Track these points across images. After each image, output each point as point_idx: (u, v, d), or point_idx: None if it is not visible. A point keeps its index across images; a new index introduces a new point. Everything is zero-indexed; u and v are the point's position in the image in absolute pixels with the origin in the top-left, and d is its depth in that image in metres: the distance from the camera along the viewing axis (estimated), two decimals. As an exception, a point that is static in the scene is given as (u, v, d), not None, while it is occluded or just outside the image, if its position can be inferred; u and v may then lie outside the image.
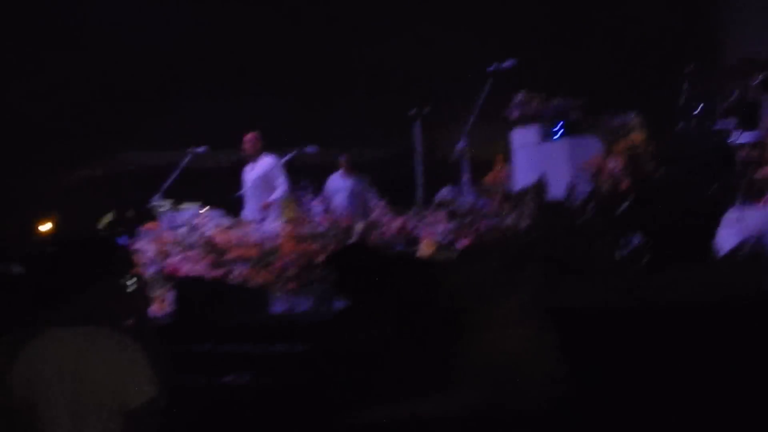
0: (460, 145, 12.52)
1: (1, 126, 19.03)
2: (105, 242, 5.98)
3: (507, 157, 13.34)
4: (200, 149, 15.74)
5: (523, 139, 13.30)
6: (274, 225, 13.12)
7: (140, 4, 18.25)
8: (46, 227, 22.03)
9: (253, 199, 15.00)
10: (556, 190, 11.36)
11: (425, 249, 10.63)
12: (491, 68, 12.80)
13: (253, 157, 15.21)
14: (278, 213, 14.17)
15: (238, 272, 12.44)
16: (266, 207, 14.58)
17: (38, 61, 18.98)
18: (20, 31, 18.29)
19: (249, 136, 15.26)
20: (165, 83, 19.02)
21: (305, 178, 13.83)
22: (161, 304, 12.70)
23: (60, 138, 20.18)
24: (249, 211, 14.98)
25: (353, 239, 11.49)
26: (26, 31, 18.32)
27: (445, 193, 11.37)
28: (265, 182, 14.97)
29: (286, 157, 15.38)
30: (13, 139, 19.39)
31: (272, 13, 18.44)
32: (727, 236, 10.36)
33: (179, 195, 15.28)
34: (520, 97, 13.27)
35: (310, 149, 15.58)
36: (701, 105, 12.44)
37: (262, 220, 14.25)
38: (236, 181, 15.50)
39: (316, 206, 12.79)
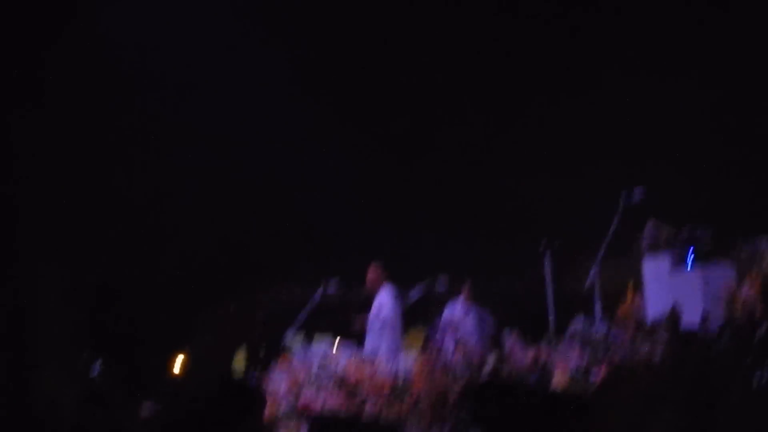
0: (592, 275, 12.50)
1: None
2: (239, 386, 6.11)
3: (639, 287, 13.26)
4: (332, 285, 15.93)
5: (654, 268, 13.23)
6: (407, 359, 13.16)
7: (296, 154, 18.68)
8: (180, 364, 22.34)
9: (371, 333, 15.21)
10: (690, 319, 11.23)
11: (559, 379, 10.57)
12: (622, 198, 12.81)
13: (375, 289, 15.42)
14: (400, 345, 14.36)
15: (372, 407, 12.47)
16: (359, 331, 14.85)
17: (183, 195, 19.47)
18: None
19: (370, 270, 15.49)
20: (300, 221, 19.36)
21: (437, 310, 13.90)
22: (294, 439, 12.78)
23: (199, 274, 20.58)
24: (368, 343, 15.17)
25: (486, 372, 11.47)
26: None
27: (577, 323, 11.30)
28: (377, 315, 15.21)
29: (419, 290, 15.50)
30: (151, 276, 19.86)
31: (403, 148, 18.74)
32: None
33: (312, 329, 15.46)
34: (650, 226, 13.23)
35: (441, 281, 15.68)
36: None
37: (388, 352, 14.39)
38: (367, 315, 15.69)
39: (448, 339, 12.80)
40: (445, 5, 18.14)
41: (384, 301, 15.34)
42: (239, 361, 21.16)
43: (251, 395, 5.73)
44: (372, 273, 15.50)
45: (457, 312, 15.87)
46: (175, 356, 22.61)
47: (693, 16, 16.96)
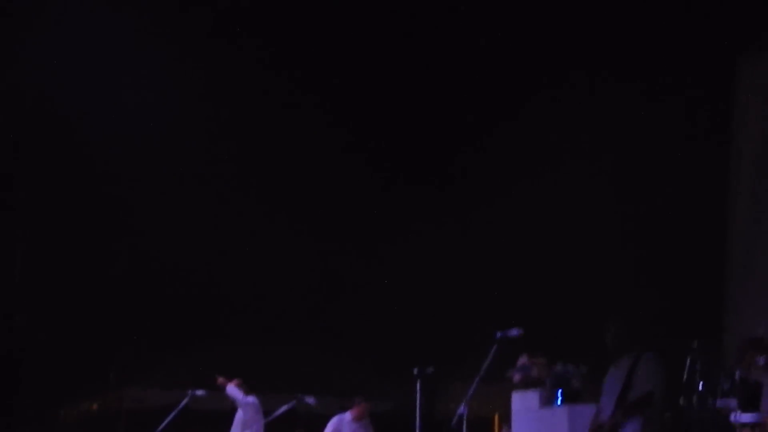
0: (461, 411, 12.43)
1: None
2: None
3: (506, 419, 13.26)
4: (200, 392, 15.74)
5: (523, 402, 13.26)
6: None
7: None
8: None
9: None
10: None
11: None
12: (498, 335, 12.83)
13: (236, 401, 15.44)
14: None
15: None
16: None
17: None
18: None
19: (231, 384, 15.50)
20: (174, 325, 19.17)
21: (302, 428, 13.76)
22: None
23: (64, 370, 20.18)
24: None
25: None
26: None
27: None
28: (244, 424, 15.16)
29: (286, 406, 15.37)
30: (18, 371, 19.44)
31: (284, 258, 18.72)
32: None
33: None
34: (522, 361, 13.27)
35: (309, 399, 15.58)
36: (702, 382, 12.40)
37: None
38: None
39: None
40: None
41: (251, 412, 15.27)
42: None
43: None
44: (234, 386, 15.54)
45: (342, 426, 15.80)
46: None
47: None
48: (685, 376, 12.50)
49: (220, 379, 15.61)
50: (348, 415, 15.88)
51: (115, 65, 17.46)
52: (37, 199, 18.40)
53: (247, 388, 15.55)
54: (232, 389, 15.61)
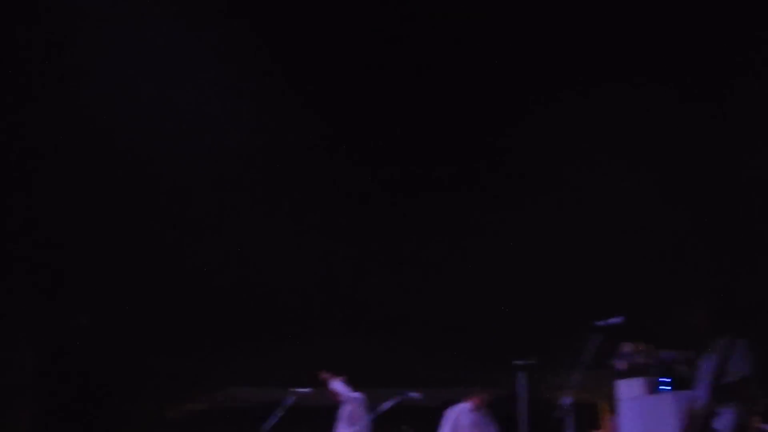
0: (565, 401, 12.41)
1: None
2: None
3: (613, 408, 13.20)
4: (305, 389, 15.85)
5: (629, 390, 13.19)
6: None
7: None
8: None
9: None
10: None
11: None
12: (599, 323, 12.78)
13: (336, 395, 15.53)
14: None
15: None
16: None
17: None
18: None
19: (337, 381, 15.61)
20: (278, 321, 19.30)
21: (407, 423, 13.80)
22: None
23: (171, 369, 20.43)
24: None
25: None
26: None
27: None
28: (349, 420, 15.24)
29: (390, 402, 15.41)
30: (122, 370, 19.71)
31: (377, 254, 18.74)
32: None
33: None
34: (627, 348, 13.20)
35: (413, 394, 15.60)
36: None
37: None
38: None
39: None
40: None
41: (355, 408, 15.38)
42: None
43: None
44: (339, 383, 15.65)
45: (463, 416, 15.89)
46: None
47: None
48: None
49: (325, 374, 15.73)
50: (466, 406, 15.94)
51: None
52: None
53: (352, 384, 15.67)
54: (338, 385, 15.72)
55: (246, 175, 17.32)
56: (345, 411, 15.72)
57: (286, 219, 18.23)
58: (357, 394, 15.64)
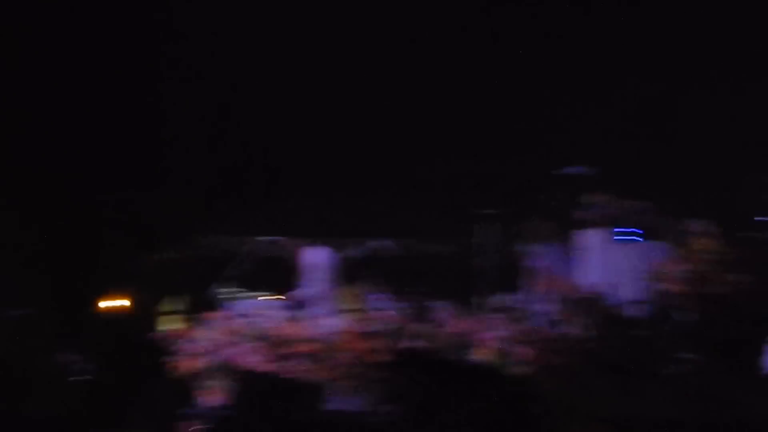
0: (527, 248, 12.44)
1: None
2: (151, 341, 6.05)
3: (576, 258, 13.23)
4: (269, 238, 15.86)
5: (593, 241, 13.18)
6: (335, 320, 13.08)
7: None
8: (119, 304, 22.19)
9: (303, 290, 15.36)
10: (626, 294, 11.20)
11: (485, 354, 10.49)
12: (563, 172, 12.74)
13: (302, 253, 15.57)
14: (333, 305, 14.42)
15: (297, 366, 12.38)
16: (293, 299, 14.95)
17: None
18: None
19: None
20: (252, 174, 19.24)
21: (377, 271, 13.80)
22: (217, 394, 12.68)
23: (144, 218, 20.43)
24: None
25: (412, 341, 11.38)
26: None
27: (508, 297, 11.24)
28: (310, 276, 15.28)
29: (357, 251, 15.44)
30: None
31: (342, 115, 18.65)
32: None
33: (243, 284, 15.36)
34: (595, 198, 13.17)
35: (382, 243, 15.61)
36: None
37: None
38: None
39: (384, 302, 12.74)
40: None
41: (315, 264, 15.40)
42: (167, 310, 21.00)
43: (161, 351, 5.70)
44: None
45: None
46: (106, 299, 22.45)
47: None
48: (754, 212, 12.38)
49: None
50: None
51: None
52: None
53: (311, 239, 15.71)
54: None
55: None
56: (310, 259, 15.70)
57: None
58: (322, 250, 15.63)
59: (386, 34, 17.89)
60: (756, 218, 12.18)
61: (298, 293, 15.39)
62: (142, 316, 19.91)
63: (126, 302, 22.31)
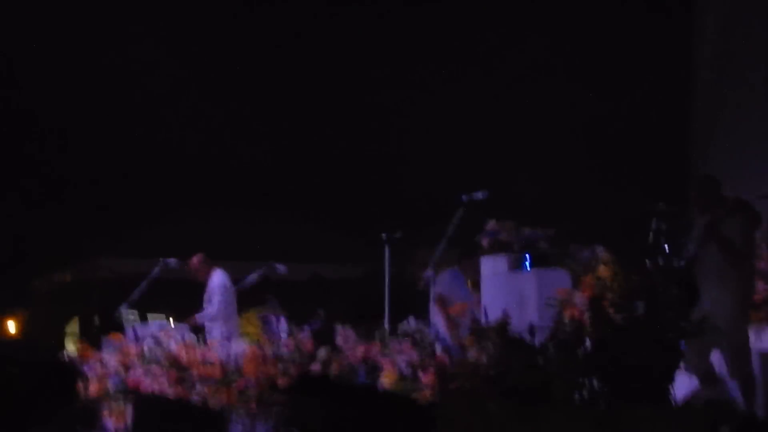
0: (428, 273, 12.53)
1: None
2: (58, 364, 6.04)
3: (476, 285, 13.37)
4: (171, 260, 15.81)
5: (492, 267, 13.33)
6: (240, 344, 13.07)
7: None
8: (12, 327, 21.95)
9: (204, 318, 15.41)
10: (523, 321, 11.33)
11: (387, 379, 10.56)
12: (464, 198, 12.87)
13: (203, 278, 15.54)
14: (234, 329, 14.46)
15: (200, 390, 12.35)
16: (193, 323, 14.97)
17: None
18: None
19: (193, 261, 15.61)
20: (146, 193, 19.18)
21: (272, 296, 13.82)
22: (120, 418, 12.60)
23: (37, 238, 20.22)
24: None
25: (316, 365, 11.41)
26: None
27: (410, 321, 11.32)
28: (208, 300, 15.32)
29: (255, 274, 15.45)
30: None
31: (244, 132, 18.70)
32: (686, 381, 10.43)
33: (147, 307, 15.28)
34: (490, 225, 13.32)
35: (280, 267, 15.63)
36: (668, 245, 12.47)
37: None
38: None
39: (282, 326, 12.74)
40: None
41: (214, 288, 15.43)
42: (71, 331, 20.82)
43: (70, 374, 5.71)
44: (194, 265, 15.64)
45: None
46: (5, 319, 22.19)
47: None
48: (650, 239, 12.59)
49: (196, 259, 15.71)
50: None
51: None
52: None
53: (209, 262, 15.68)
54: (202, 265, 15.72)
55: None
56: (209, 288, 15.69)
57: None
58: (220, 274, 15.61)
59: (285, 43, 18.00)
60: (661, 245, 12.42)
61: (198, 316, 15.40)
62: (43, 337, 19.75)
63: (16, 323, 22.13)
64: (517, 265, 13.08)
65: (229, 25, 18.45)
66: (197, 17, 18.13)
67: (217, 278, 15.59)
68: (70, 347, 17.10)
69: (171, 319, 15.40)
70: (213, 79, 18.63)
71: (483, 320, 11.41)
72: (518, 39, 17.48)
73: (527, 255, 12.99)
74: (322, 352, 11.57)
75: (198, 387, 12.46)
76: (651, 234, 12.70)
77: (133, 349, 13.59)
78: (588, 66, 17.05)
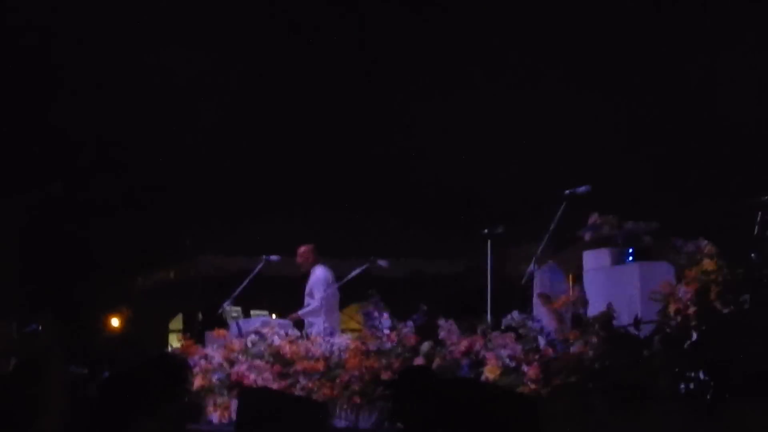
0: (531, 268, 12.49)
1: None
2: (166, 357, 6.12)
3: (578, 281, 13.28)
4: (274, 257, 15.91)
5: (594, 261, 13.22)
6: (343, 339, 13.14)
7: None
8: (117, 323, 22.29)
9: (306, 311, 15.44)
10: (626, 315, 11.24)
11: (490, 373, 10.55)
12: (567, 192, 12.81)
13: (307, 269, 15.56)
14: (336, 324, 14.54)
15: (304, 384, 12.46)
16: (295, 318, 15.00)
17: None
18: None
19: (301, 249, 15.61)
20: (248, 192, 19.34)
21: (376, 292, 13.82)
22: (224, 412, 12.76)
23: (144, 238, 20.51)
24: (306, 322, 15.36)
25: (419, 359, 11.45)
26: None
27: (514, 315, 11.28)
28: (309, 294, 15.34)
29: (357, 270, 15.48)
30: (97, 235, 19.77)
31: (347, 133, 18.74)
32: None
33: (250, 302, 15.42)
34: (593, 219, 13.23)
35: (382, 262, 15.65)
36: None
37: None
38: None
39: (385, 321, 12.76)
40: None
41: (315, 282, 15.46)
42: (175, 328, 21.11)
43: (178, 367, 5.75)
44: (302, 254, 15.66)
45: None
46: (111, 317, 22.55)
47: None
48: (756, 231, 12.42)
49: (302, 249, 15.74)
50: None
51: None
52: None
53: (316, 253, 15.70)
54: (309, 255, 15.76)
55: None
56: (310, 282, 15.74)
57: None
58: (322, 269, 15.67)
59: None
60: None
61: (301, 312, 15.49)
62: (147, 333, 20.05)
63: (121, 321, 22.49)
64: (620, 259, 12.96)
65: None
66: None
67: (320, 272, 15.63)
68: (175, 343, 17.34)
69: (274, 315, 15.54)
70: (305, 80, 18.72)
71: (587, 314, 11.34)
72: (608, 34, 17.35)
73: (630, 249, 12.86)
74: (425, 346, 11.61)
75: (302, 381, 12.57)
76: (756, 226, 12.53)
77: (236, 344, 13.74)
78: (691, 56, 16.84)
